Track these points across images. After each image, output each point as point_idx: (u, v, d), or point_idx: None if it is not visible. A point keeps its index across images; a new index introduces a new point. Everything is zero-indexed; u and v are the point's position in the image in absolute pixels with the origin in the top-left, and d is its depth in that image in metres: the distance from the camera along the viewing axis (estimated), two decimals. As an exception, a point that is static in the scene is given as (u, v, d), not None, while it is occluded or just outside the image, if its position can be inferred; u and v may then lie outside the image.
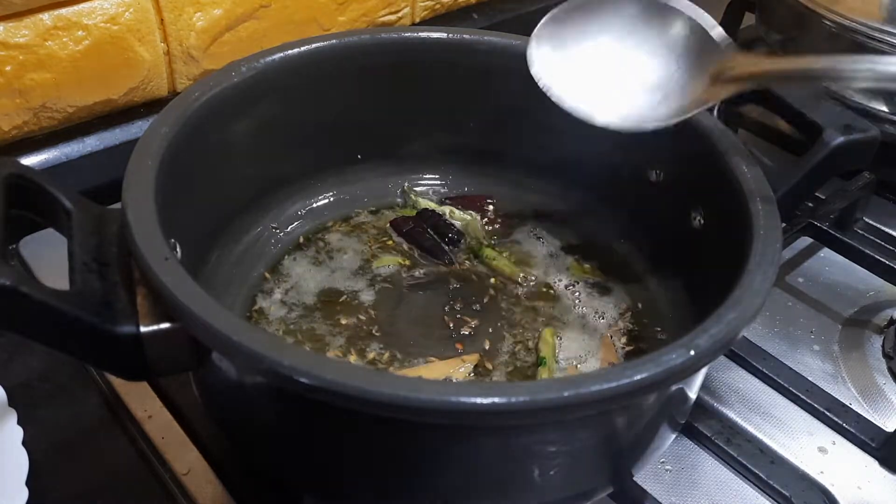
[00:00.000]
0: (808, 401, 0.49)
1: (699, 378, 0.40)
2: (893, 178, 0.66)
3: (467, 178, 0.59)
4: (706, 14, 0.44)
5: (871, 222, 0.65)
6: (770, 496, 0.45)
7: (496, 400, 0.30)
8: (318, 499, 0.43)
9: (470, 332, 0.48)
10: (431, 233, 0.54)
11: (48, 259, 0.54)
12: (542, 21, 0.45)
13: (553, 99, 0.45)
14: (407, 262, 0.53)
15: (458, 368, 0.46)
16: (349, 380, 0.30)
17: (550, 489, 0.37)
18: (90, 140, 0.60)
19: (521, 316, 0.50)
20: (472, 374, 0.46)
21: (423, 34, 0.53)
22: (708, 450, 0.47)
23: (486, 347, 0.48)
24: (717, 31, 0.43)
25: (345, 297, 0.50)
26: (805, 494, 0.44)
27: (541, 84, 0.45)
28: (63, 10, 0.56)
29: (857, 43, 0.63)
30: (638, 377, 0.31)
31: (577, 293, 0.52)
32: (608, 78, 0.46)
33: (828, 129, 0.44)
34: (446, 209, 0.56)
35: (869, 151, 0.45)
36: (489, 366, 0.47)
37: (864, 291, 0.59)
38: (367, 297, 0.50)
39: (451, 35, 0.53)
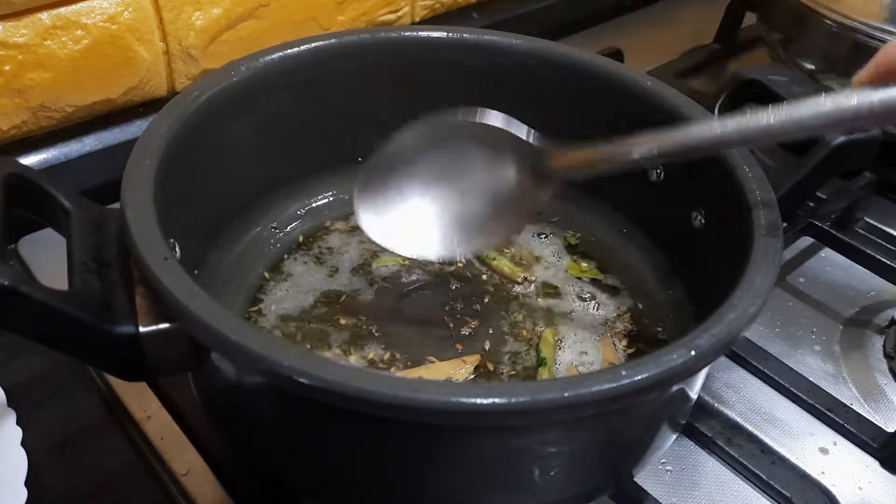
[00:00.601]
0: (809, 401, 0.49)
1: (700, 378, 0.40)
2: (894, 177, 0.66)
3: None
4: (514, 120, 0.43)
5: (871, 222, 0.65)
6: (771, 497, 0.45)
7: (496, 400, 0.30)
8: (317, 499, 0.43)
9: (470, 333, 0.48)
10: (431, 233, 0.54)
11: (47, 259, 0.54)
12: (357, 187, 0.44)
13: (389, 249, 0.46)
14: (407, 262, 0.53)
15: (459, 369, 0.46)
16: (349, 380, 0.30)
17: (551, 490, 0.37)
18: (89, 140, 0.60)
19: (521, 316, 0.50)
20: (472, 375, 0.46)
21: (423, 33, 0.53)
22: (709, 450, 0.47)
23: (487, 348, 0.47)
24: (529, 134, 0.43)
25: (345, 297, 0.50)
26: (806, 495, 0.44)
27: (371, 238, 0.45)
28: (62, 10, 0.56)
29: (858, 42, 0.63)
30: (638, 377, 0.31)
31: (577, 293, 0.52)
32: (443, 218, 0.46)
33: (828, 128, 0.43)
34: (446, 209, 0.56)
35: (869, 151, 0.45)
36: (490, 366, 0.46)
37: (865, 291, 0.59)
38: (367, 297, 0.50)
39: (450, 34, 0.53)
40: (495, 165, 0.44)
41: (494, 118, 0.44)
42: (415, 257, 0.47)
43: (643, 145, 0.40)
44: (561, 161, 0.43)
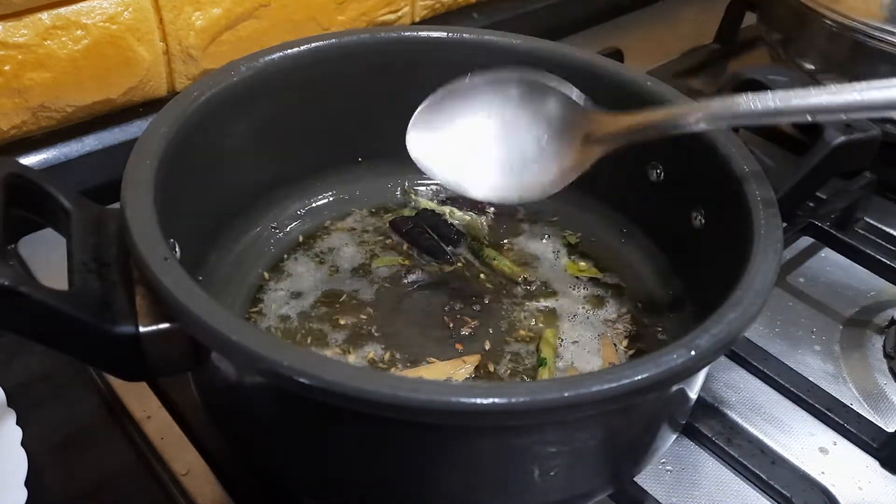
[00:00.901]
0: (809, 401, 0.49)
1: (700, 378, 0.40)
2: (894, 177, 0.66)
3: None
4: (570, 84, 0.46)
5: (871, 222, 0.65)
6: (771, 497, 0.45)
7: (496, 400, 0.30)
8: (317, 499, 0.43)
9: (470, 333, 0.48)
10: (431, 233, 0.54)
11: (47, 259, 0.54)
12: (419, 109, 0.47)
13: (435, 179, 0.48)
14: (407, 262, 0.53)
15: (459, 369, 0.46)
16: (349, 380, 0.30)
17: (551, 490, 0.37)
18: (89, 140, 0.60)
19: (521, 316, 0.50)
20: (472, 375, 0.46)
21: (423, 33, 0.53)
22: (708, 450, 0.47)
23: (487, 348, 0.47)
24: (582, 98, 0.45)
25: (344, 297, 0.50)
26: (806, 495, 0.44)
27: (420, 167, 0.48)
28: (62, 10, 0.56)
29: (858, 42, 0.63)
30: (638, 377, 0.31)
31: (577, 293, 0.52)
32: (485, 156, 0.48)
33: (828, 128, 0.44)
34: (446, 209, 0.56)
35: (870, 151, 0.44)
36: (490, 367, 0.46)
37: (865, 291, 0.59)
38: (367, 297, 0.50)
39: (451, 34, 0.53)
40: (546, 122, 0.47)
41: (550, 78, 0.46)
42: (454, 190, 0.48)
43: (700, 113, 0.41)
44: (611, 125, 0.45)
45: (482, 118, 0.48)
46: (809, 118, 0.40)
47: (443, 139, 0.48)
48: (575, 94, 0.46)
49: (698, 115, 0.42)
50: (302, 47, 0.50)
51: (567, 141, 0.46)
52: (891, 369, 0.53)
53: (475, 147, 0.48)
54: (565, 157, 0.46)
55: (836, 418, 0.48)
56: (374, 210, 0.57)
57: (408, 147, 0.47)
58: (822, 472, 0.46)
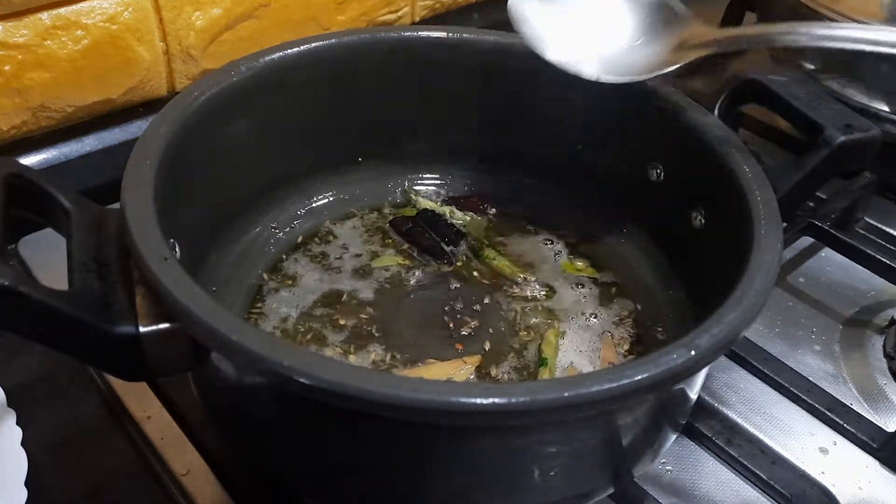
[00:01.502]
0: (809, 401, 0.49)
1: (700, 378, 0.40)
2: (894, 177, 0.66)
3: (467, 178, 0.58)
4: None
5: (872, 222, 0.65)
6: (771, 497, 0.45)
7: (496, 400, 0.30)
8: (317, 499, 0.43)
9: (470, 333, 0.48)
10: (431, 233, 0.54)
11: (47, 259, 0.54)
12: None
13: (538, 52, 0.48)
14: (407, 262, 0.53)
15: (459, 369, 0.46)
16: (349, 380, 0.30)
17: (551, 490, 0.37)
18: (89, 140, 0.60)
19: (521, 316, 0.50)
20: (472, 376, 0.46)
21: (423, 33, 0.53)
22: (708, 450, 0.47)
23: (487, 348, 0.47)
24: (680, 7, 0.48)
25: (344, 297, 0.50)
26: (806, 495, 0.44)
27: (525, 39, 0.48)
28: (62, 10, 0.56)
29: (858, 42, 0.63)
30: (638, 377, 0.31)
31: (577, 293, 0.52)
32: (586, 31, 0.49)
33: (828, 128, 0.44)
34: (446, 209, 0.56)
35: (870, 151, 0.44)
36: (490, 367, 0.46)
37: (865, 291, 0.59)
38: (367, 297, 0.50)
39: (451, 34, 0.53)
40: (648, 13, 0.49)
41: None
42: (551, 59, 0.48)
43: (793, 33, 0.43)
44: (701, 35, 0.46)
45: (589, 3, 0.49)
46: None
47: (549, 13, 0.48)
48: (677, 4, 0.48)
49: (788, 33, 0.43)
50: (302, 47, 0.50)
51: (663, 38, 0.48)
52: (891, 369, 0.52)
53: (578, 23, 0.49)
54: (659, 49, 0.48)
55: (836, 418, 0.48)
56: (374, 210, 0.57)
57: (512, 18, 0.48)
58: (822, 472, 0.46)
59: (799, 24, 0.43)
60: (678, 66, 0.47)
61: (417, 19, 0.77)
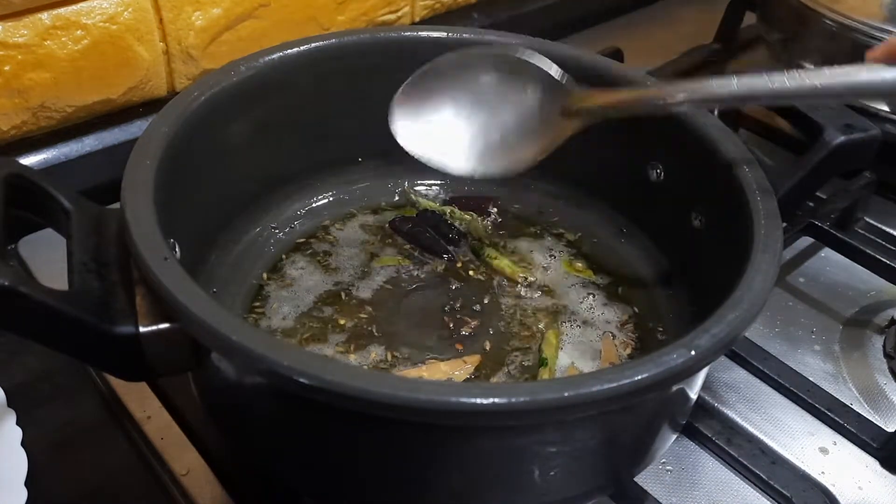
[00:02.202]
0: (809, 401, 0.49)
1: (700, 378, 0.40)
2: (894, 177, 0.66)
3: (468, 178, 0.58)
4: (547, 59, 0.47)
5: (871, 222, 0.65)
6: (771, 496, 0.45)
7: (496, 400, 0.30)
8: (317, 499, 0.43)
9: (470, 333, 0.48)
10: (432, 232, 0.54)
11: (47, 259, 0.54)
12: (401, 88, 0.48)
13: (414, 156, 0.49)
14: (407, 262, 0.53)
15: (459, 369, 0.46)
16: (349, 380, 0.30)
17: (551, 490, 0.37)
18: (89, 140, 0.60)
19: (521, 316, 0.50)
20: (472, 375, 0.46)
21: (423, 33, 0.53)
22: (708, 450, 0.47)
23: (487, 348, 0.47)
24: (559, 73, 0.46)
25: (344, 297, 0.50)
26: (806, 495, 0.44)
27: (401, 143, 0.49)
28: (62, 10, 0.56)
29: (858, 42, 0.63)
30: (638, 377, 0.31)
31: (576, 293, 0.52)
32: (465, 132, 0.49)
33: (828, 128, 0.44)
34: (447, 210, 0.56)
35: (869, 151, 0.45)
36: (490, 367, 0.46)
37: (865, 291, 0.59)
38: (367, 296, 0.50)
39: (450, 34, 0.53)
40: (526, 97, 0.48)
41: (530, 55, 0.47)
42: (437, 167, 0.49)
43: (686, 91, 0.42)
44: (590, 100, 0.46)
45: (464, 101, 0.49)
46: (781, 102, 0.42)
47: (427, 128, 0.49)
48: (554, 70, 0.46)
49: (672, 94, 0.42)
50: (302, 47, 0.50)
51: (549, 116, 0.47)
52: (891, 369, 0.53)
53: (459, 129, 0.49)
54: (547, 131, 0.47)
55: (836, 418, 0.48)
56: (374, 210, 0.57)
57: (391, 127, 0.48)
58: (822, 472, 0.46)
59: (689, 82, 0.43)
60: (561, 142, 0.47)
61: (417, 19, 0.77)
